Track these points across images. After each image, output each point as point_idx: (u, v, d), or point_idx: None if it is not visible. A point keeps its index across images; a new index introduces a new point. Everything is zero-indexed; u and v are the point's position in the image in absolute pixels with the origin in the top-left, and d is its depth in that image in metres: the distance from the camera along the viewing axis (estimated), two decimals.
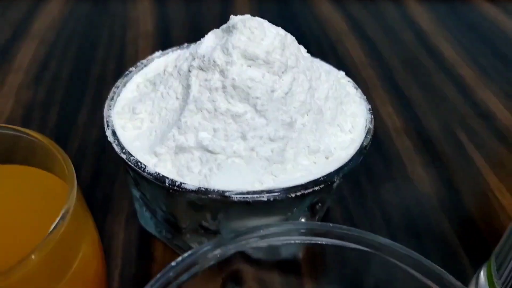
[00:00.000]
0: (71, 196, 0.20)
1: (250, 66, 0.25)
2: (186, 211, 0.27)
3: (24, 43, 0.51)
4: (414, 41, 0.55)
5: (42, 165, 0.24)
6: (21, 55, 0.49)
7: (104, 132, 0.27)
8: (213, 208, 0.26)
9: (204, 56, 0.26)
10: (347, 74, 0.32)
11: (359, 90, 0.31)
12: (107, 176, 0.36)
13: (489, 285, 0.26)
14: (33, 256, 0.18)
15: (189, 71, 0.27)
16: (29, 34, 0.52)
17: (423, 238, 0.33)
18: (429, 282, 0.21)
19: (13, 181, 0.25)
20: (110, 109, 0.28)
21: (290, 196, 0.24)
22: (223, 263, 0.24)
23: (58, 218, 0.19)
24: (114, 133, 0.27)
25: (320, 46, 0.52)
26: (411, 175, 0.38)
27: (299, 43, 0.29)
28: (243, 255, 0.25)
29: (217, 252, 0.22)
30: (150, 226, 0.32)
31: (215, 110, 0.25)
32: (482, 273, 0.27)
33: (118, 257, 0.31)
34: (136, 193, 0.30)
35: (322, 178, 0.25)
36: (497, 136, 0.42)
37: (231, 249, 0.22)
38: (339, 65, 0.33)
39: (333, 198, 0.33)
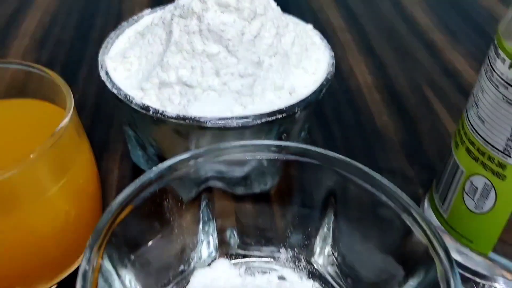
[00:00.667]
0: (68, 112, 0.25)
1: (223, 13, 0.29)
2: (171, 139, 0.31)
3: (30, 12, 0.55)
4: (391, 9, 0.59)
5: (49, 99, 0.28)
6: (27, 23, 0.53)
7: (102, 87, 0.31)
8: (192, 136, 0.30)
9: (184, 6, 0.30)
10: (327, 38, 0.36)
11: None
12: (103, 124, 0.40)
13: (431, 205, 0.30)
14: (31, 155, 0.22)
15: (171, 19, 0.31)
16: (34, 5, 0.57)
17: (384, 174, 0.37)
18: (382, 196, 0.25)
19: (24, 113, 0.29)
20: (104, 55, 0.33)
21: (256, 122, 0.28)
22: (199, 177, 0.28)
23: (56, 129, 0.23)
24: (107, 73, 0.31)
25: (302, 14, 0.56)
26: (378, 123, 0.42)
27: (283, 11, 0.33)
28: (217, 177, 0.29)
29: (192, 162, 0.26)
30: (142, 163, 0.36)
31: (193, 51, 0.29)
32: (426, 198, 0.31)
33: (113, 190, 0.35)
34: (129, 131, 0.35)
35: (284, 108, 0.29)
36: (461, 91, 0.46)
37: (205, 160, 0.26)
38: (319, 30, 0.36)
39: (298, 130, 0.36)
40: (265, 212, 0.31)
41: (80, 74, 0.46)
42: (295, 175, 0.29)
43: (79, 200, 0.27)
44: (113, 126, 0.40)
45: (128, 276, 0.25)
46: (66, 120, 0.24)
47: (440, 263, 0.22)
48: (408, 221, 0.24)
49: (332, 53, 0.34)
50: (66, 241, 0.27)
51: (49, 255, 0.26)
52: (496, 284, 0.28)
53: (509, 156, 0.23)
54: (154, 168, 0.25)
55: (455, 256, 0.29)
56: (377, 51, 0.51)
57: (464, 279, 0.29)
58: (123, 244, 0.24)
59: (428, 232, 0.23)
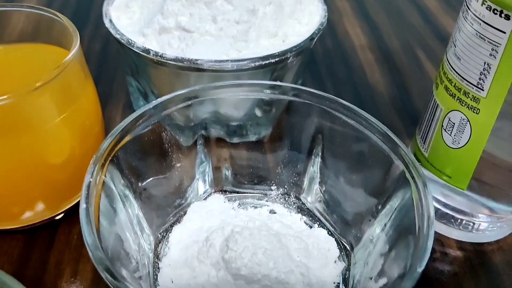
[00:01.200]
0: (74, 48, 0.26)
1: None
2: (170, 85, 0.33)
3: None
4: None
5: (59, 43, 0.30)
6: None
7: (106, 42, 0.33)
8: (190, 79, 0.32)
9: None
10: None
11: None
12: (108, 77, 0.42)
13: (414, 148, 0.32)
14: (37, 83, 0.24)
15: None
16: None
17: None
18: (365, 130, 0.27)
19: (34, 56, 0.31)
20: (108, 5, 0.34)
21: (251, 65, 0.30)
22: (197, 119, 0.30)
23: (62, 61, 0.25)
24: (111, 21, 0.33)
25: None
26: (369, 80, 0.44)
27: None
28: (214, 122, 0.31)
29: (189, 98, 0.28)
30: None
31: None
32: (410, 145, 0.33)
33: None
34: (132, 81, 0.37)
35: (277, 53, 0.31)
36: None
37: (202, 96, 0.28)
38: None
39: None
40: (258, 154, 0.33)
41: (85, 32, 0.47)
42: (287, 118, 0.31)
43: (83, 134, 0.29)
44: (117, 79, 0.42)
45: (133, 208, 0.27)
46: (72, 54, 0.26)
47: (415, 186, 0.24)
48: (388, 150, 0.26)
49: (325, 7, 0.36)
50: (70, 172, 0.29)
51: (54, 183, 0.28)
52: (475, 219, 0.30)
53: (482, 90, 0.25)
54: (154, 101, 0.27)
55: (438, 196, 0.31)
56: (372, 16, 0.53)
57: (445, 215, 0.31)
58: (126, 169, 0.26)
59: (405, 158, 0.25)
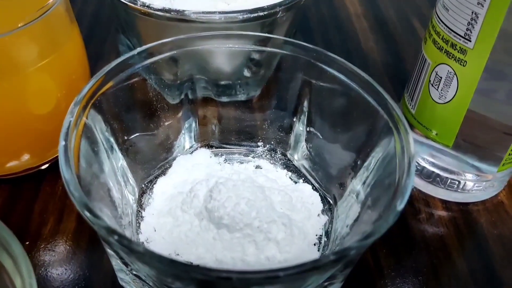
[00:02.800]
0: None
1: None
2: (159, 38, 0.32)
3: None
4: None
5: None
6: None
7: (98, 5, 0.32)
8: (179, 32, 0.31)
9: None
10: None
11: None
12: (99, 39, 0.42)
13: (402, 106, 0.32)
14: (20, 24, 0.24)
15: None
16: None
17: None
18: (351, 83, 0.26)
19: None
20: None
21: (239, 17, 0.30)
22: (183, 72, 0.29)
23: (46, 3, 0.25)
24: None
25: None
26: (363, 47, 0.43)
27: None
28: (201, 79, 0.31)
29: (177, 43, 0.28)
30: None
31: None
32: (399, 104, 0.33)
33: None
34: (122, 38, 0.36)
35: (266, 6, 0.31)
36: None
37: (189, 44, 0.28)
38: None
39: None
40: (246, 112, 0.33)
41: None
42: (275, 77, 0.31)
43: (67, 83, 0.28)
44: (108, 40, 0.42)
45: (117, 158, 0.27)
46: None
47: (398, 135, 0.23)
48: (372, 101, 0.25)
49: None
50: (54, 121, 0.28)
51: (38, 131, 0.28)
52: (461, 177, 0.30)
53: (469, 41, 0.25)
54: (138, 48, 0.27)
55: (426, 156, 0.30)
56: None
57: (431, 174, 0.31)
58: (110, 116, 0.26)
59: (389, 108, 0.24)
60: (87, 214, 0.19)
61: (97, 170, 0.24)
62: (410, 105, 0.30)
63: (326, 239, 0.27)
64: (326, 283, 0.23)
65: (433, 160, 0.30)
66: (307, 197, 0.29)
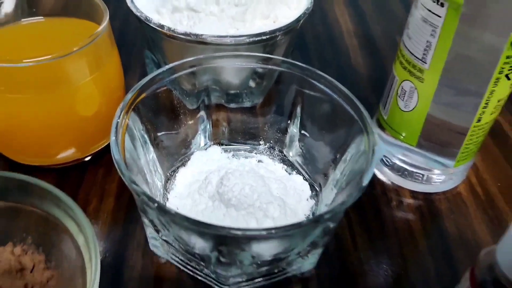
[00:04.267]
0: (105, 21, 0.33)
1: None
2: (180, 55, 0.40)
3: None
4: None
5: (88, 17, 0.37)
6: None
7: (125, 21, 0.39)
8: (197, 52, 0.39)
9: None
10: None
11: None
12: (126, 52, 0.49)
13: (378, 115, 0.39)
14: (74, 48, 0.31)
15: None
16: None
17: None
18: (334, 95, 0.33)
19: (67, 29, 0.38)
20: None
21: (245, 41, 0.37)
22: (201, 84, 0.37)
23: (95, 32, 0.32)
24: (131, 1, 0.40)
25: None
26: (352, 62, 0.50)
27: None
28: (215, 89, 0.38)
29: (195, 62, 0.35)
30: None
31: None
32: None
33: None
34: (148, 54, 0.44)
35: (268, 31, 0.38)
36: None
37: (205, 63, 0.35)
38: None
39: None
40: (250, 116, 0.40)
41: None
42: (275, 88, 0.38)
43: (108, 93, 0.36)
44: (134, 53, 0.49)
45: (149, 152, 0.34)
46: (103, 26, 0.33)
47: (367, 137, 0.30)
48: (351, 111, 0.32)
49: None
50: (97, 122, 0.36)
51: (84, 130, 0.36)
52: (426, 172, 0.37)
53: (425, 63, 0.32)
54: (165, 66, 0.34)
55: (398, 155, 0.37)
56: (360, 3, 0.59)
57: (401, 169, 0.38)
58: (145, 118, 0.33)
59: (362, 116, 0.31)
60: (134, 186, 0.26)
61: (136, 159, 0.31)
62: (383, 112, 0.37)
63: None
64: (309, 248, 0.30)
65: (403, 157, 0.37)
66: (299, 185, 0.36)
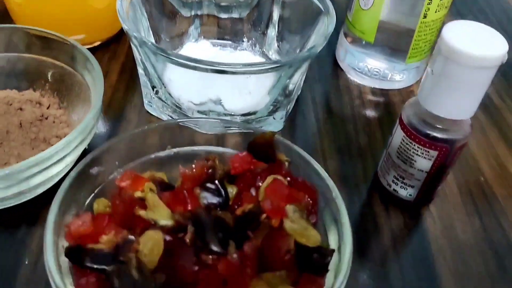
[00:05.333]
0: None
1: None
2: None
3: None
4: None
5: None
6: None
7: None
8: None
9: None
10: None
11: None
12: None
13: (346, 19, 0.45)
14: None
15: None
16: None
17: None
18: None
19: None
20: None
21: None
22: None
23: None
24: None
25: None
26: None
27: None
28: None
29: None
30: None
31: None
32: None
33: None
34: None
35: None
36: None
37: None
38: None
39: None
40: (237, 21, 0.46)
41: None
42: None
43: None
44: None
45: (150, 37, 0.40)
46: None
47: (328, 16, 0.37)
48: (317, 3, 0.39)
49: None
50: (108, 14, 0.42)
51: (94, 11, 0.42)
52: (382, 68, 0.43)
53: None
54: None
55: (361, 62, 0.44)
56: None
57: (364, 69, 0.44)
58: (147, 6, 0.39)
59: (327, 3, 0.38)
60: (135, 34, 0.33)
61: (138, 27, 0.38)
62: (349, 15, 0.43)
63: None
64: (272, 106, 0.36)
65: (365, 58, 0.44)
66: None
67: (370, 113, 0.43)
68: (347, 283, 0.23)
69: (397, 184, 0.33)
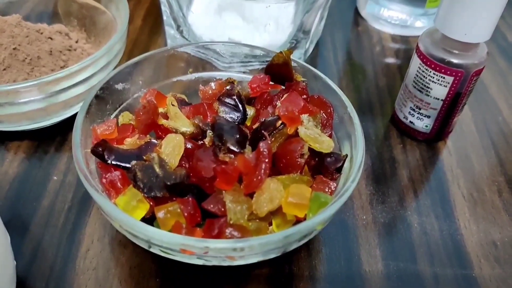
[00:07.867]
0: None
1: None
2: None
3: None
4: None
5: None
6: None
7: None
8: None
9: None
10: None
11: None
12: None
13: None
14: None
15: None
16: None
17: None
18: None
19: None
20: None
21: None
22: None
23: None
24: None
25: None
26: None
27: None
28: None
29: None
30: None
31: None
32: None
33: None
34: None
35: None
36: None
37: None
38: None
39: None
40: None
41: None
42: None
43: None
44: None
45: None
46: None
47: None
48: None
49: None
50: None
51: None
52: (406, 16, 0.44)
53: None
54: None
55: (380, 11, 0.44)
56: None
57: (385, 17, 0.44)
58: None
59: None
60: None
61: None
62: None
63: None
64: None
65: (386, 4, 0.44)
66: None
67: (390, 58, 0.43)
68: (364, 201, 0.24)
69: (414, 115, 0.34)
